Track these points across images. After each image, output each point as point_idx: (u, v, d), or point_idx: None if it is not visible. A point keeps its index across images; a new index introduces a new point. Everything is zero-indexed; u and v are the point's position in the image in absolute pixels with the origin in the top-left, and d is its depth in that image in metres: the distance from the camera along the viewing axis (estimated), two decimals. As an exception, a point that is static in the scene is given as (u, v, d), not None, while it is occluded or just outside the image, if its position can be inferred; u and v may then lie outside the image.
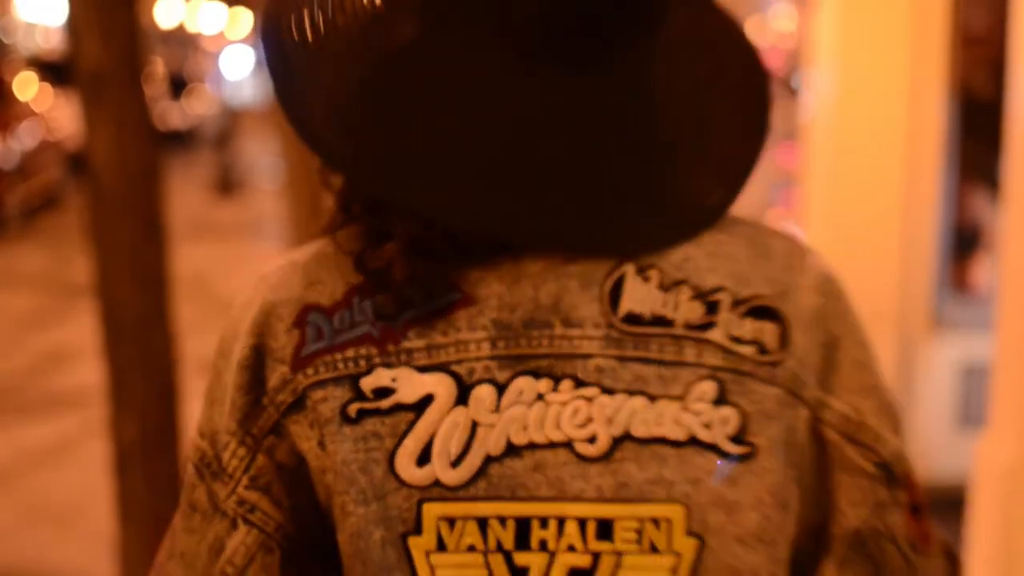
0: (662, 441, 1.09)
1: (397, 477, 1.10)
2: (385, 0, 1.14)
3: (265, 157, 15.56)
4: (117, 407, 3.81)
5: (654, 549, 1.10)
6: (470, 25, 1.10)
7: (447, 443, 1.09)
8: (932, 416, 5.89)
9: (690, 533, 1.10)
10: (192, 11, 40.63)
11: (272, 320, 1.14)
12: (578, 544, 1.10)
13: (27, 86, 16.80)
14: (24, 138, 15.00)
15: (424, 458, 1.09)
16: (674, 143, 1.17)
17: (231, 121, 18.71)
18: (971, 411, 5.75)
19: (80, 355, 8.16)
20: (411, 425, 1.10)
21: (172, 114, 22.46)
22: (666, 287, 1.12)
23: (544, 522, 1.10)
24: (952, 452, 5.82)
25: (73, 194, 15.93)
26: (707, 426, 1.10)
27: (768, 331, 1.12)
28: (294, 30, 1.14)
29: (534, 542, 1.10)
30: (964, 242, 5.97)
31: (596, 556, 1.10)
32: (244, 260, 12.28)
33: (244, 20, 37.80)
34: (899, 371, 5.86)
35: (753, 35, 1.14)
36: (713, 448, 1.10)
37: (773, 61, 8.10)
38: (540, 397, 1.10)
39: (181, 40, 36.48)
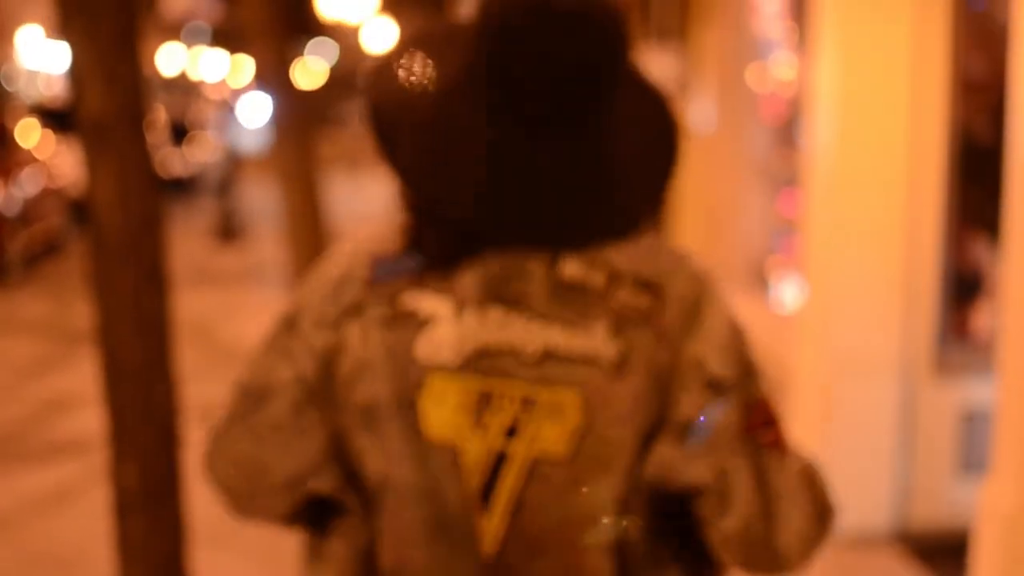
0: (571, 356, 1.78)
1: (415, 360, 1.82)
2: (438, 88, 1.84)
3: (267, 204, 15.57)
4: (118, 454, 3.80)
5: (557, 419, 1.79)
6: (485, 102, 1.78)
7: (447, 341, 1.81)
8: (934, 462, 5.88)
9: (582, 412, 1.78)
10: (194, 59, 40.82)
11: (361, 258, 1.88)
12: (513, 411, 1.80)
13: (29, 133, 16.82)
14: (26, 185, 15.00)
15: (432, 349, 1.81)
16: (615, 180, 1.83)
17: (233, 168, 18.71)
18: (973, 457, 5.75)
19: (81, 402, 8.15)
20: (425, 329, 1.81)
21: (174, 161, 22.46)
22: (590, 266, 1.80)
23: (496, 396, 1.80)
24: (954, 498, 5.80)
25: (75, 241, 15.94)
26: (601, 350, 1.78)
27: (650, 301, 1.80)
28: (380, 107, 1.87)
29: (491, 407, 1.80)
30: (965, 288, 5.97)
31: (521, 420, 1.80)
32: (246, 307, 12.27)
33: (246, 68, 37.96)
34: (900, 417, 5.86)
35: (675, 109, 1.97)
36: (601, 364, 1.78)
37: (773, 108, 8.13)
38: (503, 320, 1.80)
39: (183, 87, 36.60)
